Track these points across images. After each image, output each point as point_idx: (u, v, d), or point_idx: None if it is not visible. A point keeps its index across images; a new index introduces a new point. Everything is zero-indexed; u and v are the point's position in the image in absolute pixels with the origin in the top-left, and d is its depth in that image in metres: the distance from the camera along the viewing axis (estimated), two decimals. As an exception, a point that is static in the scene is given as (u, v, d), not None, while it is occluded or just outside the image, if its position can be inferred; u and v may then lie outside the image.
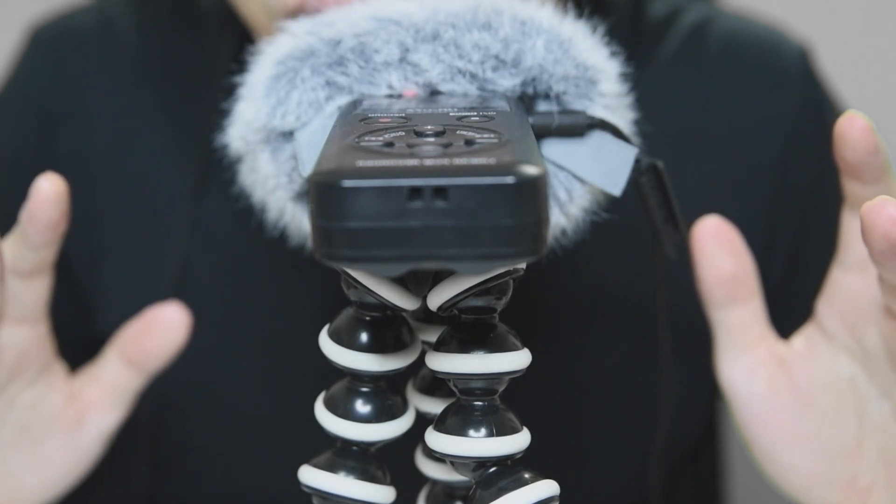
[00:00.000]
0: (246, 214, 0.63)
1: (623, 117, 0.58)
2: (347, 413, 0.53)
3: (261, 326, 0.77)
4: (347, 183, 0.42)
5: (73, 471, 0.67)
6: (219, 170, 0.70)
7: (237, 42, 0.73)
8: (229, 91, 0.59)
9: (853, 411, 0.62)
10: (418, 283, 0.52)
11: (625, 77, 0.58)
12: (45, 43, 0.80)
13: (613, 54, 0.57)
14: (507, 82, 0.55)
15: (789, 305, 0.72)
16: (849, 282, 0.61)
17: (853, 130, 0.56)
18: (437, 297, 0.51)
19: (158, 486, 0.79)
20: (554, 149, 0.55)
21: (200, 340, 0.75)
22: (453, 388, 0.52)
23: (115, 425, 0.67)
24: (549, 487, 0.51)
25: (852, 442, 0.63)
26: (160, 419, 0.77)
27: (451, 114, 0.50)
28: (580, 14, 0.58)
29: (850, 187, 0.59)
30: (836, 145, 0.57)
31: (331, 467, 0.53)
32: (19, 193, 0.66)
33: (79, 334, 0.78)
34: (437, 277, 0.51)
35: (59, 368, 0.66)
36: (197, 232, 0.76)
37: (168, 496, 0.79)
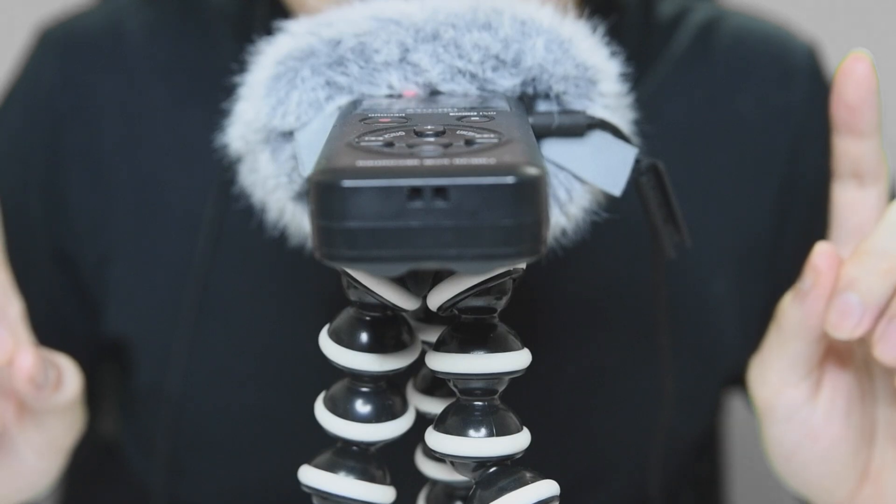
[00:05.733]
0: (249, 213, 0.63)
1: (623, 117, 0.58)
2: (347, 413, 0.53)
3: (267, 325, 0.77)
4: (347, 183, 0.42)
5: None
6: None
7: (247, 43, 0.73)
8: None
9: (867, 390, 0.63)
10: (418, 283, 0.52)
11: (629, 76, 0.58)
12: (53, 44, 0.80)
13: (613, 54, 0.57)
14: (507, 82, 0.55)
15: None
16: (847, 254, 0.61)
17: (857, 68, 0.58)
18: (437, 297, 0.51)
19: (169, 483, 0.79)
20: (554, 149, 0.55)
21: (212, 338, 0.75)
22: (453, 388, 0.52)
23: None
24: (549, 487, 0.51)
25: (868, 424, 0.63)
26: (176, 419, 0.77)
27: (451, 114, 0.50)
28: (582, 14, 0.58)
29: (843, 145, 0.59)
30: (838, 87, 0.58)
31: (331, 467, 0.53)
32: (28, 194, 0.67)
33: (86, 334, 0.78)
34: (437, 277, 0.51)
35: None
36: (209, 232, 0.76)
37: (174, 493, 0.79)
